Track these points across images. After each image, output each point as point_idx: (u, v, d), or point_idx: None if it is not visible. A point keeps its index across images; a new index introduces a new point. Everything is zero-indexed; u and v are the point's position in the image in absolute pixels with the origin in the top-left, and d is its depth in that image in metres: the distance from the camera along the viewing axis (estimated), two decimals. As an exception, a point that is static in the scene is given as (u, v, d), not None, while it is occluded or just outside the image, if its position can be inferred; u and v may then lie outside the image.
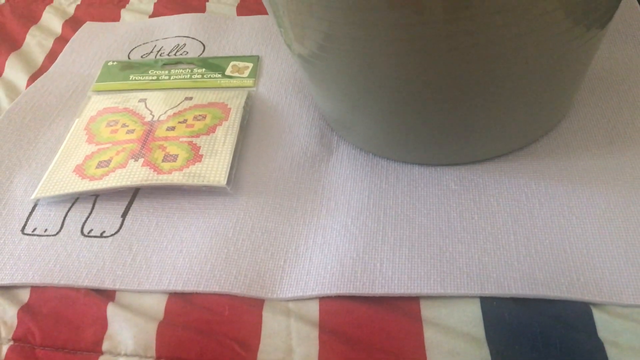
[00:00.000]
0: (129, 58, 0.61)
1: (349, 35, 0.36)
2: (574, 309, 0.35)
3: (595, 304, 0.35)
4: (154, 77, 0.57)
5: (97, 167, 0.46)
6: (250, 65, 0.58)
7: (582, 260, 0.37)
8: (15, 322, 0.38)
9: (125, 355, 0.36)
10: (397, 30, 0.35)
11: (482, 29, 0.34)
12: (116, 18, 0.69)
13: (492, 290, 0.36)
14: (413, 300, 0.37)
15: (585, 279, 0.36)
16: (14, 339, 0.38)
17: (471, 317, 0.35)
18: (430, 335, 0.35)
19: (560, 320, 0.34)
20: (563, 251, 0.37)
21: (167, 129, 0.49)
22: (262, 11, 0.66)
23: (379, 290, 0.37)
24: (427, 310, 0.36)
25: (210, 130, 0.49)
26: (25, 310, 0.39)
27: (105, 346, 0.37)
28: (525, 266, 0.37)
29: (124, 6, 0.71)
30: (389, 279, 0.37)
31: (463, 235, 0.39)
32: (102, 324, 0.37)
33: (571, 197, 0.41)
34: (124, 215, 0.44)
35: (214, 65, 0.58)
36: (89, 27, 0.67)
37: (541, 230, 0.39)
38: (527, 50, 0.36)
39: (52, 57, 0.63)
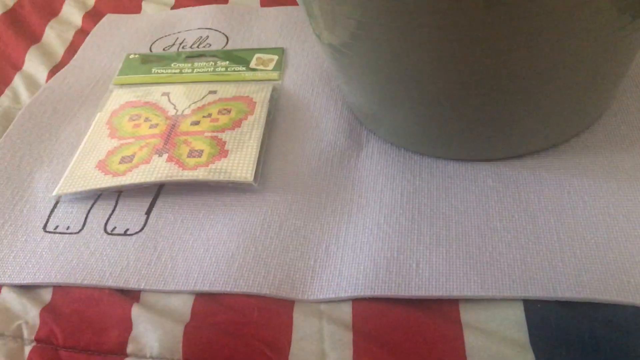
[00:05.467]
0: (150, 51, 0.60)
1: (383, 23, 0.35)
2: (626, 313, 0.33)
3: (648, 308, 0.33)
4: (177, 70, 0.56)
5: (120, 163, 0.45)
6: (275, 57, 0.56)
7: (631, 262, 0.35)
8: (37, 322, 0.37)
9: (151, 357, 0.35)
10: (433, 17, 0.33)
11: (522, 17, 0.32)
12: (137, 10, 0.67)
13: (536, 292, 0.34)
14: (452, 303, 0.35)
15: (635, 281, 0.34)
16: (37, 339, 0.36)
17: (514, 321, 0.33)
18: (471, 340, 0.33)
19: (611, 325, 0.32)
20: (610, 252, 0.35)
21: (191, 124, 0.48)
22: (286, 2, 0.64)
23: (415, 292, 0.35)
24: (467, 314, 0.34)
25: (236, 124, 0.47)
26: (48, 311, 0.37)
27: (130, 348, 0.35)
28: (571, 268, 0.35)
29: (144, -2, 0.69)
30: (425, 280, 0.36)
31: (503, 235, 0.37)
32: (127, 326, 0.36)
33: (617, 195, 0.39)
34: (148, 213, 0.42)
35: (238, 57, 0.56)
36: (109, 19, 0.65)
37: (586, 229, 0.37)
38: (569, 41, 0.34)
39: (72, 50, 0.62)
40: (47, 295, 0.38)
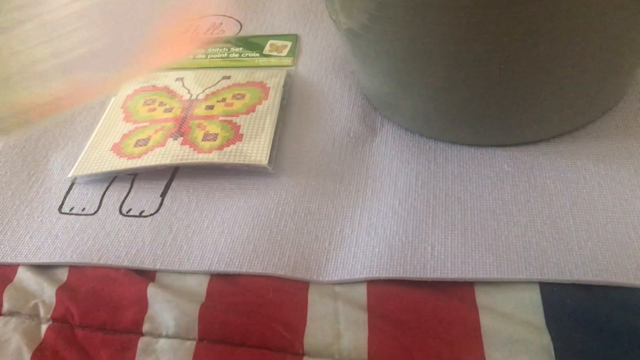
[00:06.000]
0: (164, 37, 0.60)
1: (402, 4, 0.34)
2: (643, 296, 0.33)
3: (665, 292, 0.33)
4: (190, 56, 0.56)
5: (135, 146, 0.45)
6: (289, 44, 0.56)
7: (648, 246, 0.35)
8: (54, 301, 0.37)
9: (167, 337, 0.35)
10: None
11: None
12: (150, -3, 0.67)
13: (552, 275, 0.34)
14: (467, 286, 0.35)
15: (652, 265, 0.34)
16: (53, 318, 0.37)
17: (530, 304, 0.33)
18: (486, 322, 0.33)
19: (628, 308, 0.32)
20: (627, 236, 0.35)
21: (205, 108, 0.48)
22: (299, -11, 0.64)
23: (431, 274, 0.35)
24: (483, 296, 0.34)
25: (250, 109, 0.47)
26: (64, 290, 0.38)
27: (145, 327, 0.35)
28: (587, 251, 0.35)
29: (157, -14, 0.69)
30: (441, 263, 0.36)
31: (519, 219, 0.37)
32: (143, 305, 0.36)
33: (633, 180, 0.38)
34: (163, 195, 0.43)
35: (252, 44, 0.56)
36: (123, 6, 0.66)
37: (602, 214, 0.37)
38: (589, 23, 0.34)
39: (86, 36, 0.62)
40: (63, 275, 0.39)
